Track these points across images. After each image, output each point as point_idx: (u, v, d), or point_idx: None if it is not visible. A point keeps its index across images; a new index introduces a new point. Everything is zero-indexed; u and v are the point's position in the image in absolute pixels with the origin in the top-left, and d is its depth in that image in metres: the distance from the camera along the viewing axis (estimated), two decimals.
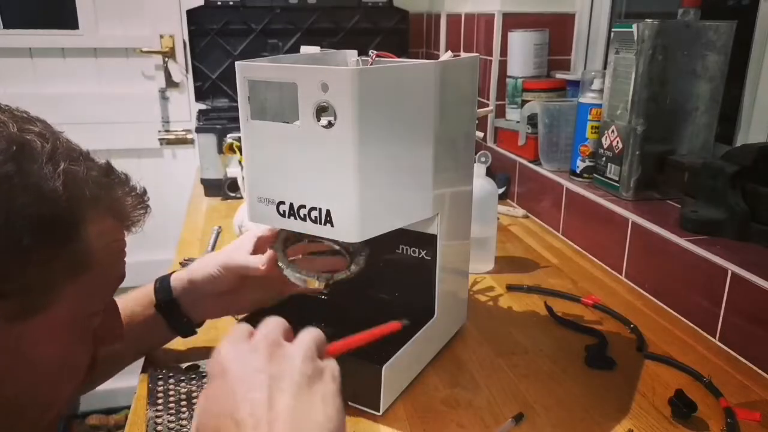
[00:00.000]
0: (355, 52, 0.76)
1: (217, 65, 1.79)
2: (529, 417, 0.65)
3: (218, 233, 1.18)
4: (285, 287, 0.73)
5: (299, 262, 0.69)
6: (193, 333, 0.74)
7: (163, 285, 0.71)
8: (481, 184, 0.95)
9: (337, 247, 0.69)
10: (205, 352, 0.77)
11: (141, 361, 0.75)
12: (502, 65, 1.46)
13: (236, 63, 0.61)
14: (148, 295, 0.72)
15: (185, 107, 2.10)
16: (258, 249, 0.71)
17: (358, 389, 0.66)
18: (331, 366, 0.46)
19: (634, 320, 0.85)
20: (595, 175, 1.12)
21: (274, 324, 0.46)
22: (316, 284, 0.64)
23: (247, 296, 0.74)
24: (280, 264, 0.65)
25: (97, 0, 1.94)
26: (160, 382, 0.70)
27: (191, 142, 2.11)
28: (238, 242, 0.72)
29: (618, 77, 1.01)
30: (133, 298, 0.72)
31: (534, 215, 1.30)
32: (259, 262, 0.67)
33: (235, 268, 0.69)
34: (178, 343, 0.78)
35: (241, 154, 1.07)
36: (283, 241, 0.68)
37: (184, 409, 0.66)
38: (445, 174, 0.69)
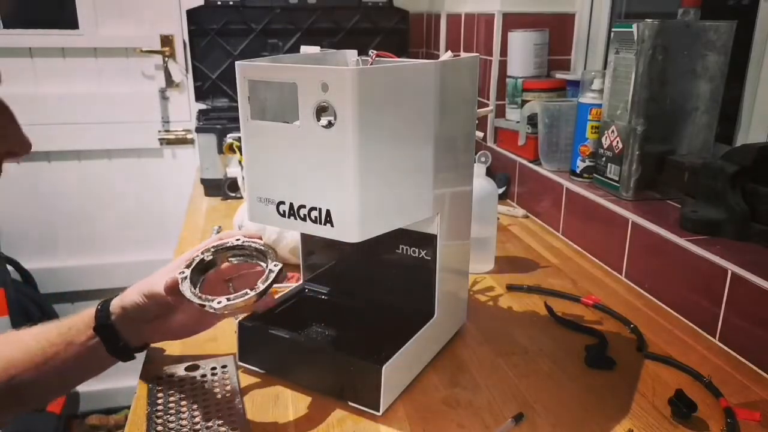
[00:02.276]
0: (355, 52, 0.76)
1: (217, 65, 1.79)
2: (529, 417, 0.65)
3: (218, 233, 1.18)
4: (208, 315, 0.69)
5: (217, 285, 0.68)
6: (131, 358, 0.71)
7: (103, 308, 0.69)
8: (481, 184, 0.95)
9: (259, 268, 0.67)
10: (205, 352, 0.78)
11: (141, 362, 0.75)
12: (502, 65, 1.46)
13: (236, 63, 0.61)
14: (89, 316, 0.70)
15: (185, 107, 2.10)
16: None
17: (358, 389, 0.66)
18: None
19: (634, 320, 0.85)
20: (595, 175, 1.12)
21: None
22: (213, 309, 0.60)
23: (177, 323, 0.70)
24: (181, 289, 0.62)
25: (97, 0, 1.94)
26: (160, 382, 0.70)
27: (191, 142, 2.11)
28: (169, 267, 0.69)
29: (618, 77, 1.01)
30: (76, 320, 0.70)
31: (534, 215, 1.30)
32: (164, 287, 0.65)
33: (155, 295, 0.66)
34: (178, 343, 0.78)
35: (241, 154, 1.07)
36: (198, 265, 0.66)
37: (184, 409, 0.66)
38: (445, 174, 0.69)
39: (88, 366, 0.70)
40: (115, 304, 0.69)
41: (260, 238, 0.69)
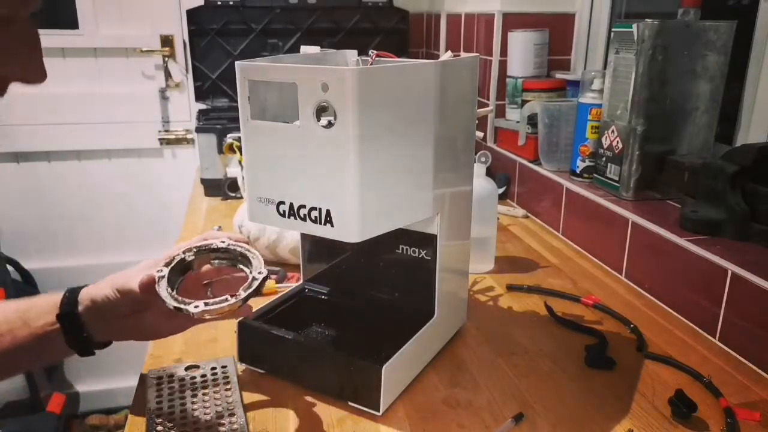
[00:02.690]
0: (355, 52, 0.76)
1: (217, 65, 1.79)
2: (529, 417, 0.65)
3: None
4: (181, 319, 0.65)
5: (196, 287, 0.64)
6: (91, 353, 0.66)
7: (71, 296, 0.64)
8: (481, 184, 0.95)
9: (242, 274, 0.63)
10: (205, 352, 0.78)
11: (141, 361, 0.75)
12: (502, 65, 1.46)
13: (236, 63, 0.61)
14: (54, 302, 0.65)
15: (185, 107, 2.10)
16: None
17: (358, 389, 0.66)
18: None
19: (634, 320, 0.85)
20: (595, 175, 1.12)
21: None
22: (189, 313, 0.56)
23: (149, 323, 0.65)
24: (157, 288, 0.57)
25: (97, 0, 1.94)
26: (160, 382, 0.70)
27: (191, 142, 2.11)
28: (148, 263, 0.65)
29: (618, 77, 1.01)
30: (39, 302, 0.65)
31: (534, 215, 1.30)
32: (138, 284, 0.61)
33: (128, 291, 0.62)
34: (178, 343, 0.78)
35: (241, 154, 1.07)
36: (177, 264, 0.62)
37: (184, 409, 0.66)
38: (445, 174, 0.69)
39: (40, 352, 0.66)
40: (85, 295, 0.64)
41: (247, 242, 0.65)
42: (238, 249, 0.63)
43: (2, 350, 0.62)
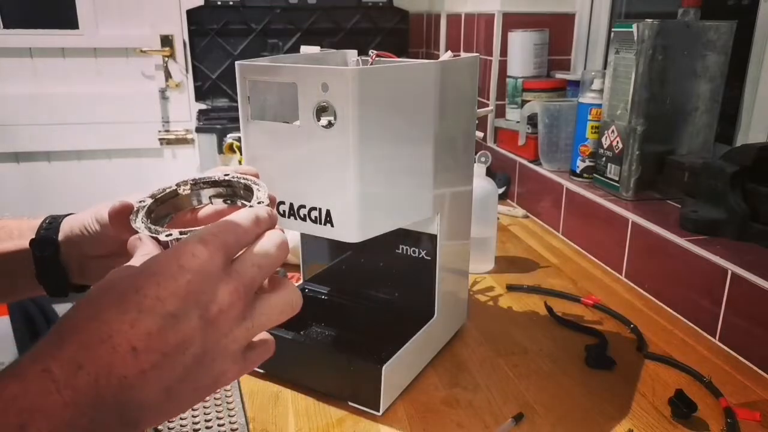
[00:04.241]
0: (355, 52, 0.76)
1: (217, 65, 1.79)
2: (529, 417, 0.65)
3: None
4: None
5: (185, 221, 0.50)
6: (64, 294, 0.56)
7: (53, 223, 0.54)
8: (481, 184, 0.95)
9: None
10: None
11: None
12: (502, 65, 1.46)
13: (236, 63, 0.61)
14: (30, 226, 0.55)
15: (185, 107, 2.10)
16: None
17: (358, 389, 0.66)
18: (256, 357, 0.38)
19: (634, 320, 0.85)
20: (595, 175, 1.12)
21: (270, 259, 0.37)
22: (159, 240, 0.42)
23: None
24: (131, 218, 0.44)
25: (97, 0, 1.94)
26: None
27: (191, 142, 2.11)
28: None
29: (618, 77, 1.01)
30: (10, 224, 0.56)
31: (534, 215, 1.30)
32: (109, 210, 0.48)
33: (105, 223, 0.50)
34: None
35: (241, 154, 1.07)
36: (167, 196, 0.49)
37: None
38: (445, 174, 0.69)
39: (8, 279, 0.55)
40: (66, 223, 0.54)
41: (256, 175, 0.51)
42: (243, 181, 0.50)
43: None
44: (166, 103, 2.09)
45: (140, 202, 0.47)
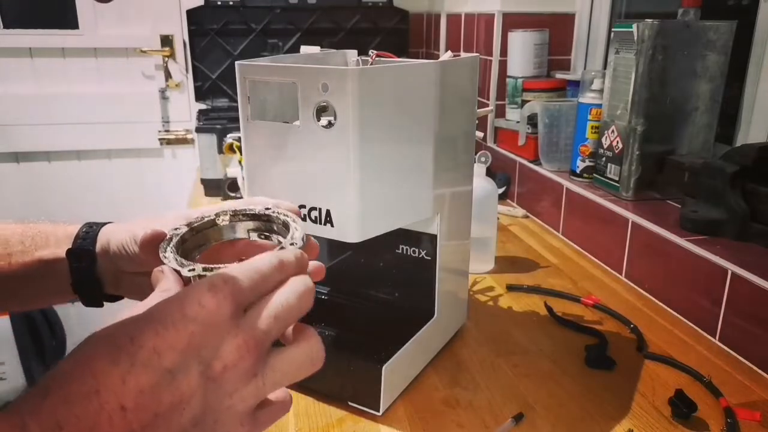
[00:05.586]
0: (355, 52, 0.76)
1: (217, 65, 1.79)
2: (529, 417, 0.65)
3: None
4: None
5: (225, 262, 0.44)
6: (99, 305, 0.55)
7: (90, 233, 0.53)
8: (481, 184, 0.95)
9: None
10: None
11: None
12: (502, 65, 1.46)
13: (236, 63, 0.61)
14: (67, 233, 0.53)
15: (185, 107, 2.10)
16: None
17: (358, 389, 0.66)
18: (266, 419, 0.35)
19: (634, 320, 0.85)
20: (595, 175, 1.12)
21: (290, 310, 0.34)
22: (182, 275, 0.40)
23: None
24: (161, 247, 0.42)
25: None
26: None
27: (191, 142, 2.11)
28: (180, 214, 0.49)
29: (618, 77, 1.01)
30: (48, 230, 0.54)
31: (534, 215, 1.30)
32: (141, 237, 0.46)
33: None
34: None
35: (241, 154, 1.07)
36: (204, 226, 0.47)
37: None
38: (445, 174, 0.69)
39: (36, 289, 0.54)
40: (104, 234, 0.52)
41: (297, 212, 0.49)
42: (282, 217, 0.48)
43: None
44: (166, 103, 2.09)
45: (175, 229, 0.45)
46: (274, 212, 0.48)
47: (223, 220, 0.48)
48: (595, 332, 0.82)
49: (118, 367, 0.28)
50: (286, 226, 0.46)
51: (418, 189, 0.66)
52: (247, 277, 0.33)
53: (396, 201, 0.63)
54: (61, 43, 1.96)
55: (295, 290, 0.35)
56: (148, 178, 2.14)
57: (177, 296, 0.32)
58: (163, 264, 0.40)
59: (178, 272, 0.40)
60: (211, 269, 0.37)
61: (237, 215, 0.49)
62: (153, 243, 0.43)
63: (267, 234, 0.49)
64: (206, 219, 0.47)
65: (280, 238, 0.47)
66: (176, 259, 0.40)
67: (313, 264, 0.43)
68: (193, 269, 0.38)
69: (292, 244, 0.42)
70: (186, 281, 0.38)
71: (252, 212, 0.48)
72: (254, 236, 0.49)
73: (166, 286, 0.36)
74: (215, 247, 0.48)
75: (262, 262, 0.35)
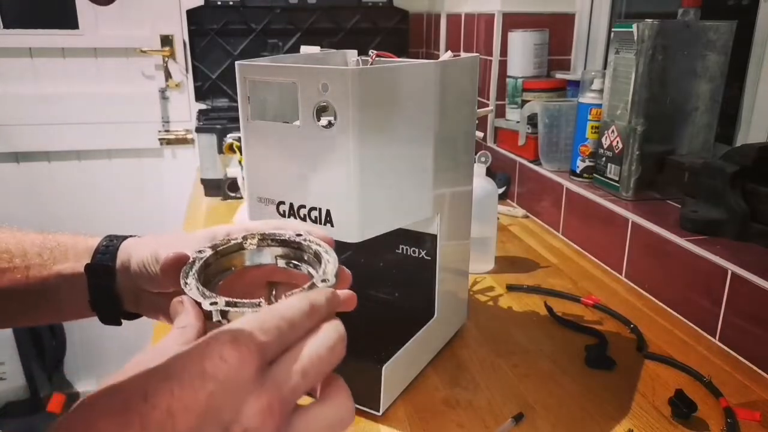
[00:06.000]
0: (355, 52, 0.76)
1: (217, 65, 1.79)
2: (529, 417, 0.65)
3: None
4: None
5: (251, 287, 0.45)
6: (117, 323, 0.52)
7: (110, 247, 0.50)
8: (481, 184, 0.95)
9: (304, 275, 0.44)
10: None
11: None
12: (502, 65, 1.46)
13: (236, 63, 0.61)
14: (86, 247, 0.51)
15: (185, 107, 2.10)
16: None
17: (358, 389, 0.66)
18: None
19: (634, 320, 0.85)
20: (595, 175, 1.12)
21: (320, 365, 0.31)
22: (202, 308, 0.36)
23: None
24: (182, 273, 0.39)
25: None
26: None
27: (191, 142, 2.11)
28: (204, 233, 0.47)
29: (618, 77, 1.01)
30: (67, 242, 0.52)
31: (534, 215, 1.30)
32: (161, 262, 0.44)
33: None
34: None
35: (241, 154, 1.07)
36: (230, 249, 0.44)
37: None
38: (445, 174, 0.69)
39: (52, 304, 0.52)
40: (125, 250, 0.50)
41: (330, 241, 0.45)
42: (314, 247, 0.44)
43: (8, 287, 0.49)
44: (166, 103, 2.09)
45: (199, 252, 0.42)
46: (305, 240, 0.45)
47: (251, 244, 0.45)
48: (595, 332, 0.82)
49: (126, 430, 0.25)
50: (317, 257, 0.43)
51: (418, 189, 0.66)
52: (274, 326, 0.30)
53: (396, 201, 0.63)
54: (61, 44, 1.96)
55: (326, 341, 0.32)
56: (148, 178, 2.14)
57: (197, 347, 0.28)
58: (184, 293, 0.37)
59: (198, 303, 0.37)
60: (235, 304, 0.35)
61: (265, 239, 0.46)
62: (175, 267, 0.41)
63: (296, 263, 0.46)
64: (233, 242, 0.44)
65: (311, 270, 0.44)
66: (198, 288, 0.38)
67: (343, 293, 0.39)
68: (216, 302, 0.36)
69: (323, 280, 0.39)
70: (207, 315, 0.36)
71: (282, 238, 0.45)
72: (282, 263, 0.46)
73: (184, 321, 0.33)
74: (240, 272, 0.45)
75: (291, 308, 0.31)
